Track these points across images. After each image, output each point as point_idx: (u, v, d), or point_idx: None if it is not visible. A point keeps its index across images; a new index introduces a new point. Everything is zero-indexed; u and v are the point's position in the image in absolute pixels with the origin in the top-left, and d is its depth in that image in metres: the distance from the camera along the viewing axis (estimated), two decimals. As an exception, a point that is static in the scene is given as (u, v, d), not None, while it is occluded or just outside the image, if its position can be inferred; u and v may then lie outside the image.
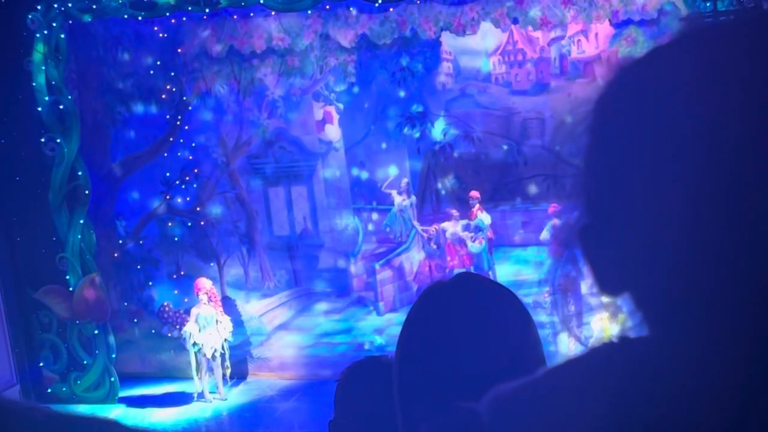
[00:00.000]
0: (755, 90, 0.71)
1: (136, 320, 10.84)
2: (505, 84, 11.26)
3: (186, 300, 10.60)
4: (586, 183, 0.82)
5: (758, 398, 0.70)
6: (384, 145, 11.74)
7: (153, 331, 10.82)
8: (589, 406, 0.79)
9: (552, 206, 10.73)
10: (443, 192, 11.78)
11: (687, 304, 0.74)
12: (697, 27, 0.78)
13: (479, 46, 10.60)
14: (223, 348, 9.74)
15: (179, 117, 10.74)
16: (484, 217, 11.32)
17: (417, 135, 11.31)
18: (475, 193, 11.35)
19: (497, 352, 1.32)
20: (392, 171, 11.62)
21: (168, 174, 10.86)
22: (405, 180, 11.94)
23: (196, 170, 11.00)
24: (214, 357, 9.67)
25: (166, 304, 10.78)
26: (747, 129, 0.70)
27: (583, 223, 0.82)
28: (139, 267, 10.91)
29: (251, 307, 11.23)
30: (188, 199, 10.96)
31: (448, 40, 10.47)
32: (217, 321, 9.67)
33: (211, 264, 10.99)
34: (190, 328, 9.64)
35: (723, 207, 0.70)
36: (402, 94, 11.09)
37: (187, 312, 10.20)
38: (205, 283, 9.83)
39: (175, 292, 10.82)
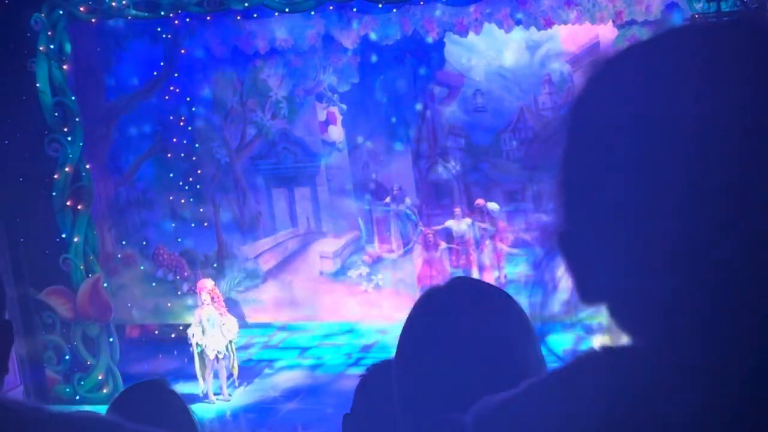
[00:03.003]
0: (745, 94, 0.70)
1: (130, 264, 10.72)
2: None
3: (179, 240, 10.45)
4: (566, 189, 0.81)
5: (744, 408, 0.70)
6: (387, 145, 11.74)
7: (147, 275, 10.69)
8: (573, 418, 0.79)
9: None
10: (445, 175, 11.77)
11: (668, 313, 0.73)
12: (679, 27, 0.78)
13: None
14: (227, 349, 9.72)
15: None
16: (492, 205, 11.36)
17: (424, 115, 11.32)
18: (480, 201, 11.34)
19: (495, 354, 1.32)
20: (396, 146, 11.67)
21: (162, 114, 10.64)
22: (396, 186, 11.96)
23: (193, 108, 10.81)
24: (217, 358, 9.66)
25: (160, 247, 10.65)
26: (736, 134, 0.69)
27: (563, 229, 0.81)
28: (133, 209, 10.74)
29: (247, 249, 11.11)
30: (185, 141, 10.81)
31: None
32: (221, 323, 9.65)
33: (201, 209, 10.81)
34: (193, 330, 9.64)
35: (706, 215, 0.69)
36: (405, 94, 11.11)
37: (182, 255, 10.15)
38: (207, 284, 9.81)
39: (174, 235, 10.68)
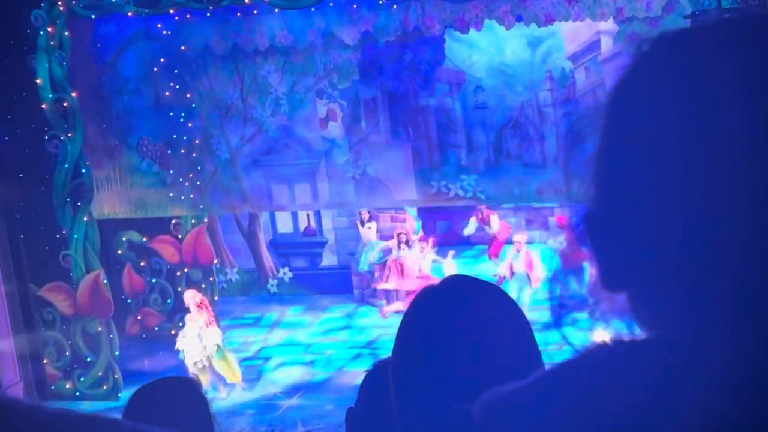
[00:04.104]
0: (765, 88, 0.70)
1: (114, 156, 10.44)
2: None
3: (163, 130, 10.23)
4: (598, 169, 0.80)
5: (760, 405, 0.69)
6: (387, 142, 11.74)
7: (132, 167, 10.42)
8: (582, 410, 0.78)
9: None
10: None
11: (688, 307, 0.73)
12: (710, 20, 0.77)
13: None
14: (208, 359, 9.56)
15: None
16: (493, 221, 11.27)
17: (425, 111, 11.25)
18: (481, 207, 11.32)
19: (492, 351, 1.32)
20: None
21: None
22: (365, 210, 11.95)
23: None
24: (196, 364, 9.52)
25: (144, 138, 10.37)
26: (759, 126, 0.69)
27: (591, 210, 0.80)
28: (117, 99, 10.38)
29: (233, 139, 10.86)
30: (168, 33, 10.70)
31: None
32: (203, 333, 9.43)
33: (188, 95, 10.50)
34: (181, 334, 9.53)
35: (738, 211, 0.68)
36: (406, 90, 11.09)
37: (167, 145, 10.03)
38: (195, 296, 9.63)
39: (158, 124, 10.41)
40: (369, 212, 12.39)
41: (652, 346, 0.77)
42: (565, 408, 0.80)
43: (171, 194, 10.46)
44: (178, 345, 9.52)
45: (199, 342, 9.45)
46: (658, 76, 0.76)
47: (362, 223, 12.51)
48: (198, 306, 9.51)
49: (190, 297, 9.67)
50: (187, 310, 9.93)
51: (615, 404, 0.76)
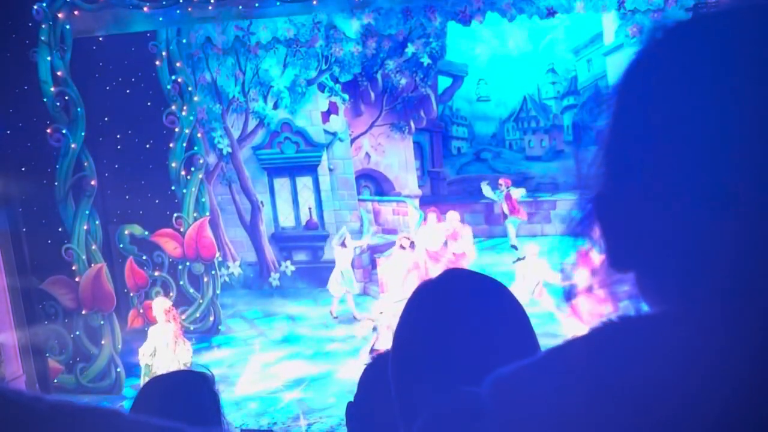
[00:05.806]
0: None
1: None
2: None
3: None
4: (609, 150, 0.81)
5: (765, 380, 0.70)
6: (388, 135, 11.74)
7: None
8: (590, 387, 0.79)
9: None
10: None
11: (697, 284, 0.73)
12: (727, 7, 0.77)
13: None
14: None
15: None
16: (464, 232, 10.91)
17: (426, 105, 11.25)
18: (453, 214, 10.98)
19: (491, 344, 1.32)
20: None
21: None
22: (348, 233, 11.60)
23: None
24: None
25: None
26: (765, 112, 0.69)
27: (601, 190, 0.81)
28: None
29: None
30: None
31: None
32: (175, 345, 8.81)
33: None
34: (144, 348, 8.90)
35: (745, 187, 0.69)
36: (407, 83, 11.08)
37: None
38: (164, 304, 9.11)
39: None
40: (350, 234, 11.89)
41: (659, 321, 0.78)
42: (573, 384, 0.80)
43: (148, 12, 9.81)
44: (145, 361, 8.83)
45: (172, 355, 8.74)
46: (671, 62, 0.77)
47: (344, 245, 11.62)
48: (166, 312, 8.92)
49: (160, 304, 9.13)
50: (151, 323, 9.34)
51: (623, 380, 0.76)
